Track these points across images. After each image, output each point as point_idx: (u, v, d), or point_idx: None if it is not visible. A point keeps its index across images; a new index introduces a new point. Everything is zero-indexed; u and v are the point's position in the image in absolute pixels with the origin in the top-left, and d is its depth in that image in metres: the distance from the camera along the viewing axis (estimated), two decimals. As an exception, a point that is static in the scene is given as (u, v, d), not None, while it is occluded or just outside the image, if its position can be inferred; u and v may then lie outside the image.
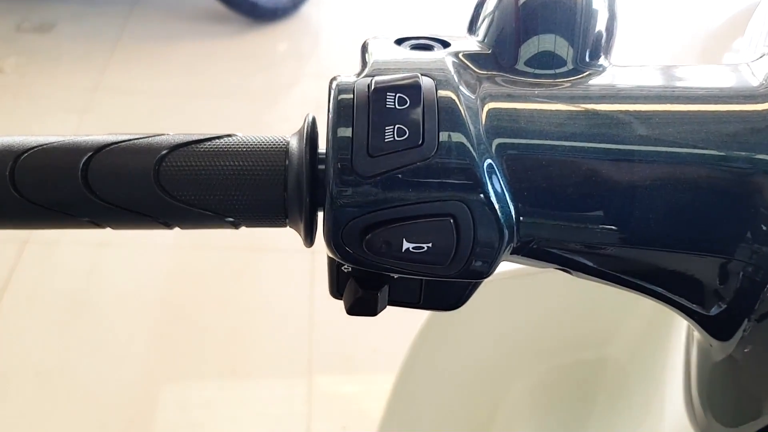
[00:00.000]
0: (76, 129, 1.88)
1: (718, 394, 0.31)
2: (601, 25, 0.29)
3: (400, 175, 0.25)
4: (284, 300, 1.53)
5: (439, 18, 2.60)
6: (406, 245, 0.25)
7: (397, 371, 0.65)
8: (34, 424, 1.25)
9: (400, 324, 1.51)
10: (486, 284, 0.54)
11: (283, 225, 0.29)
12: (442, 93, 0.26)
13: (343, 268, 0.29)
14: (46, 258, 1.56)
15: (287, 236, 1.53)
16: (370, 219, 0.25)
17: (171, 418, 1.29)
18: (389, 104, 0.25)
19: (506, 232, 0.26)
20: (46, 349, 1.37)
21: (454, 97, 0.26)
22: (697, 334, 0.31)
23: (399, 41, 0.30)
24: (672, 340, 0.48)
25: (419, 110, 0.25)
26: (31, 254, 1.55)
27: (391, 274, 0.28)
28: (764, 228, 0.25)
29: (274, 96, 2.21)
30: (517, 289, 0.59)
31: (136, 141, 0.27)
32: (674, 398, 0.41)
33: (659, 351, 0.50)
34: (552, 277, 0.57)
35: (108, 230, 0.28)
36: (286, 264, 1.61)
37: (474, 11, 0.31)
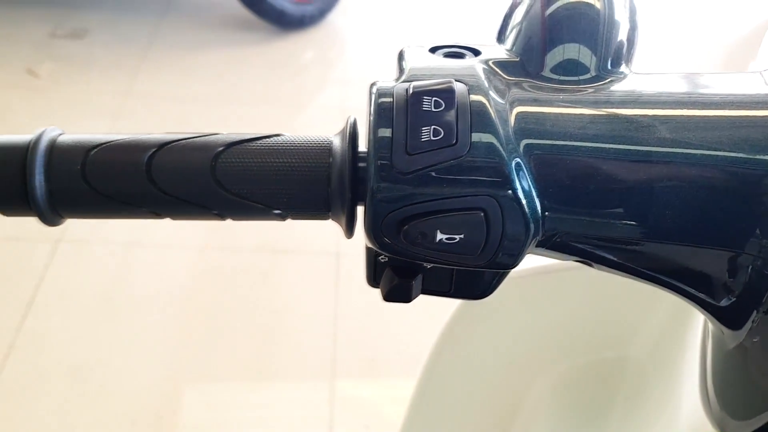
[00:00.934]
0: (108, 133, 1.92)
1: (731, 382, 0.33)
2: (622, 35, 0.31)
3: (435, 172, 0.27)
4: (309, 301, 1.56)
5: (462, 25, 2.63)
6: (439, 236, 0.27)
7: (421, 368, 0.66)
8: (68, 418, 1.29)
9: (423, 327, 1.53)
10: (507, 283, 0.56)
11: (326, 218, 0.31)
12: (474, 97, 0.28)
13: (379, 258, 0.32)
14: (78, 257, 1.60)
15: (312, 238, 1.56)
16: (408, 212, 0.27)
17: (196, 415, 1.32)
18: (426, 107, 0.27)
19: (532, 225, 0.28)
20: (78, 346, 1.41)
21: (484, 101, 0.28)
22: (711, 324, 0.33)
23: (433, 49, 0.32)
24: (689, 341, 0.49)
25: (453, 113, 0.27)
26: (63, 253, 1.59)
27: (425, 264, 0.31)
28: None
29: (300, 102, 2.25)
30: (538, 289, 0.60)
31: (194, 139, 0.30)
32: (691, 394, 0.43)
33: (677, 351, 0.52)
34: (572, 277, 0.59)
35: (160, 221, 0.31)
36: (310, 266, 1.64)
37: (502, 22, 0.34)
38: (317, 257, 1.65)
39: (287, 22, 2.47)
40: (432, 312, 1.57)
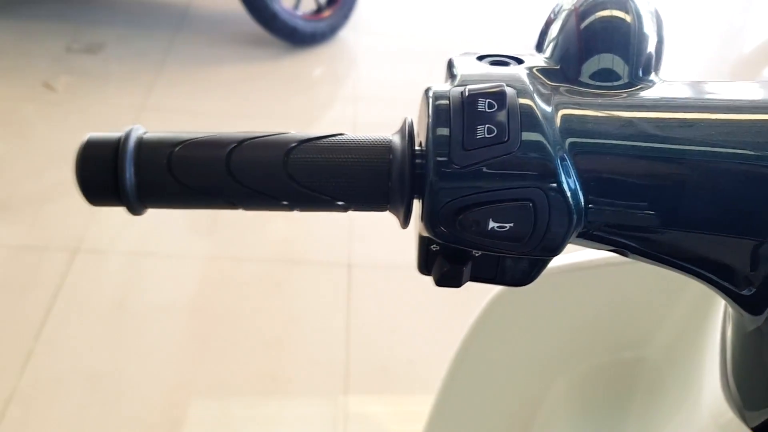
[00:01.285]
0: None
1: (750, 366, 0.36)
2: (651, 47, 0.34)
3: (489, 166, 0.30)
4: (321, 311, 1.59)
5: (471, 41, 2.67)
6: (491, 224, 0.30)
7: (446, 367, 0.69)
8: (84, 424, 1.31)
9: (434, 336, 1.56)
10: (533, 284, 0.58)
11: (384, 210, 0.34)
12: (522, 100, 0.31)
13: (432, 247, 0.34)
14: (95, 266, 1.63)
15: (323, 249, 1.59)
16: (463, 202, 0.30)
17: (211, 422, 1.34)
18: (480, 108, 0.30)
19: (575, 216, 0.31)
20: (95, 354, 1.43)
21: (531, 103, 0.31)
22: (731, 309, 0.35)
23: (479, 58, 0.35)
24: (707, 340, 0.51)
25: (505, 113, 0.30)
26: (80, 263, 1.62)
27: (473, 252, 0.34)
28: None
29: (311, 117, 2.28)
30: (558, 289, 0.63)
31: (268, 137, 0.33)
32: (711, 385, 0.45)
33: (695, 349, 0.54)
34: (589, 277, 0.61)
35: (228, 213, 0.34)
36: (322, 277, 1.67)
37: (540, 34, 0.37)
38: (329, 268, 1.68)
39: (299, 39, 2.52)
40: (442, 323, 1.59)
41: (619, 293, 0.61)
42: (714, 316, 0.49)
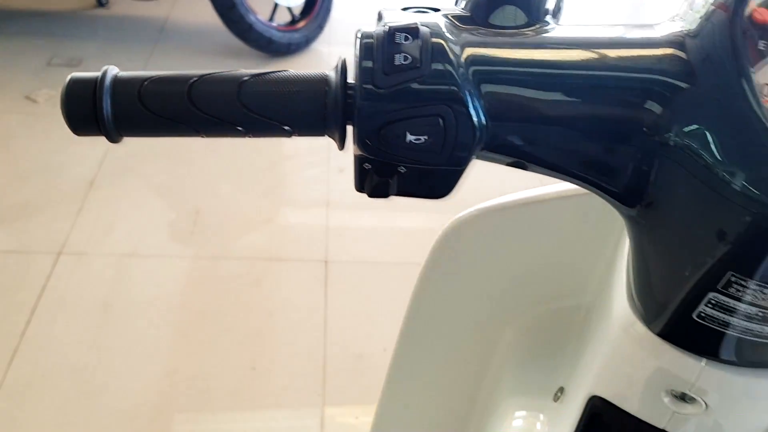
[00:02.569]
0: (104, 155, 2.01)
1: (641, 266, 0.42)
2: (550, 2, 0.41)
3: (405, 87, 0.36)
4: (300, 304, 1.64)
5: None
6: (409, 138, 0.37)
7: (400, 329, 0.73)
8: (69, 416, 1.35)
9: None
10: (473, 227, 0.63)
11: (323, 134, 0.40)
12: (434, 37, 0.38)
13: (364, 165, 0.41)
14: (77, 268, 1.67)
15: (302, 247, 1.64)
16: (385, 118, 0.37)
17: (193, 412, 1.39)
18: (398, 40, 0.37)
19: (478, 131, 0.37)
20: (79, 351, 1.48)
21: (442, 39, 0.38)
22: (623, 218, 0.42)
23: (404, 9, 0.42)
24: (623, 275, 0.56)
25: (418, 44, 0.37)
26: (63, 264, 1.67)
27: (399, 169, 0.40)
28: (648, 121, 0.37)
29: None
30: (498, 236, 0.66)
31: (223, 73, 0.39)
32: (620, 302, 0.50)
33: (614, 286, 0.59)
34: (529, 219, 0.65)
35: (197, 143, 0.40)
36: (300, 272, 1.72)
37: None
38: (307, 264, 1.74)
39: (275, 49, 2.59)
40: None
41: (557, 237, 0.66)
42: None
